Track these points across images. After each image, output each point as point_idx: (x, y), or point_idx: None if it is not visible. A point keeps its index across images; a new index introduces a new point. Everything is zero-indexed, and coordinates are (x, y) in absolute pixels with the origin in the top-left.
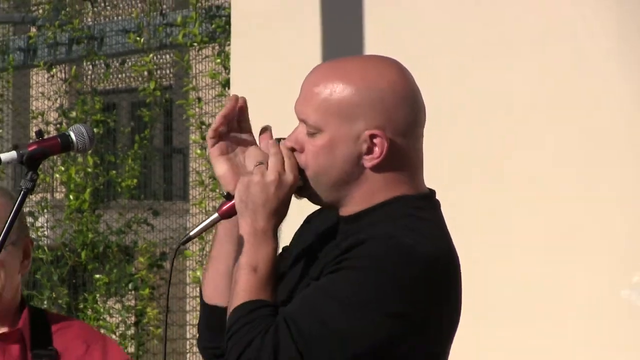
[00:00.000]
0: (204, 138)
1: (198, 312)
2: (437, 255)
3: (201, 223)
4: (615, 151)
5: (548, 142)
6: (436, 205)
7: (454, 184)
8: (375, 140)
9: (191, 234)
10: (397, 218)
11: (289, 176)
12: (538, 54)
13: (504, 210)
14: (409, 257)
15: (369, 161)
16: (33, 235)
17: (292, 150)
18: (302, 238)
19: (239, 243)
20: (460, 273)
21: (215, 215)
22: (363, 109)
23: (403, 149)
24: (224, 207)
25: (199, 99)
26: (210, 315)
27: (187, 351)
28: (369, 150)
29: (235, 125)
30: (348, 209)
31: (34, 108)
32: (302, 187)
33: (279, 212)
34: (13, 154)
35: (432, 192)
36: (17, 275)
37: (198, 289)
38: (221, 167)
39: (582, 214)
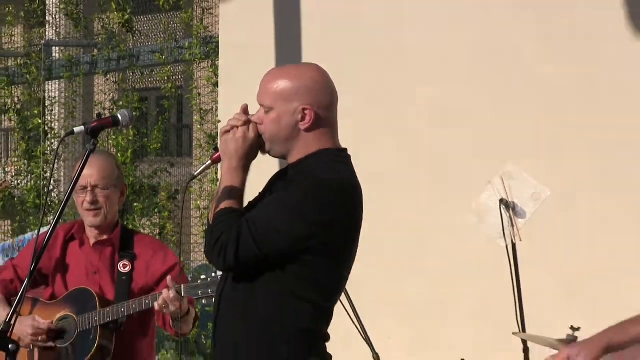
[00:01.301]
0: (202, 118)
1: (198, 226)
2: (343, 183)
3: (200, 167)
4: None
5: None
6: (348, 156)
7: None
8: (306, 112)
9: (195, 174)
10: (322, 162)
11: (251, 134)
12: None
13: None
14: (324, 183)
15: (302, 126)
16: None
17: (257, 124)
18: (270, 182)
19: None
20: (360, 199)
21: (209, 161)
22: (297, 94)
23: (324, 119)
24: (214, 156)
25: (199, 94)
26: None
27: (192, 251)
28: (302, 119)
29: None
30: (292, 158)
31: (95, 100)
32: (263, 147)
33: (247, 156)
34: (82, 128)
35: (345, 149)
36: (116, 206)
37: (199, 212)
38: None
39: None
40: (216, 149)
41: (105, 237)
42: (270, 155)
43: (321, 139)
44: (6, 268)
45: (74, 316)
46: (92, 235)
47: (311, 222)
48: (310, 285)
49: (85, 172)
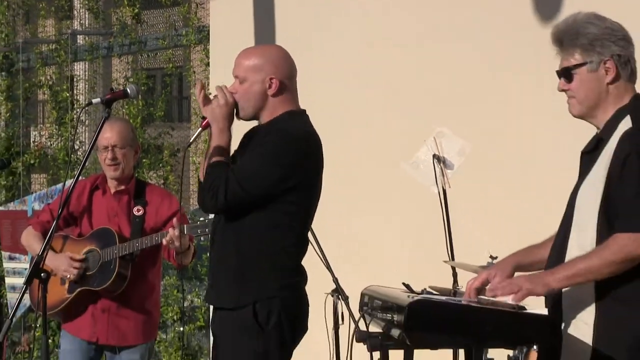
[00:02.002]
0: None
1: (195, 177)
2: (309, 135)
3: (193, 134)
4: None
5: None
6: (307, 116)
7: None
8: (272, 81)
9: (190, 140)
10: (289, 120)
11: (229, 100)
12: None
13: None
14: (290, 136)
15: (270, 92)
16: None
17: (232, 93)
18: (243, 140)
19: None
20: (321, 148)
21: (200, 128)
22: (265, 67)
23: (287, 86)
24: (203, 123)
25: (194, 72)
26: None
27: (190, 197)
28: (270, 86)
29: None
30: (263, 119)
31: (112, 78)
32: (238, 112)
33: (229, 118)
34: (98, 99)
35: (304, 110)
36: (132, 162)
37: (194, 166)
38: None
39: None
40: (204, 118)
41: (122, 187)
42: (243, 119)
43: (285, 102)
44: (44, 211)
45: (98, 250)
46: (112, 185)
47: (286, 166)
48: (293, 217)
49: (106, 134)
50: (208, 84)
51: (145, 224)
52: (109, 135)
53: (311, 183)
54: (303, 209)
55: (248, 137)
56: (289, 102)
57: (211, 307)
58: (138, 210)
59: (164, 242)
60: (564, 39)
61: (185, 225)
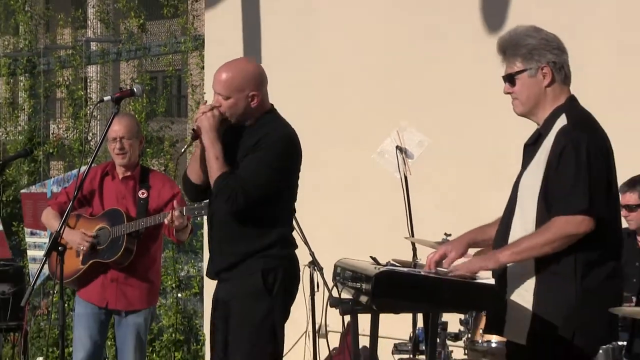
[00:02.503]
0: (193, 91)
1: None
2: (293, 138)
3: (185, 145)
4: None
5: None
6: (276, 110)
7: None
8: (254, 97)
9: (182, 150)
10: (270, 122)
11: (216, 113)
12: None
13: None
14: (284, 142)
15: (253, 105)
16: None
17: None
18: (231, 139)
19: (203, 151)
20: (300, 147)
21: (190, 139)
22: (245, 85)
23: (264, 95)
24: (194, 135)
25: (191, 74)
26: (188, 181)
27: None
28: (252, 100)
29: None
30: (249, 122)
31: (120, 79)
32: (226, 119)
33: (217, 129)
34: (109, 97)
35: (272, 104)
36: (137, 151)
37: (189, 155)
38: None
39: None
40: (194, 130)
41: (129, 173)
42: (232, 123)
43: (263, 105)
44: (61, 194)
45: (108, 227)
46: (120, 172)
47: (286, 168)
48: (288, 198)
49: (115, 127)
50: (202, 85)
51: (149, 205)
52: (117, 128)
53: (298, 170)
54: (294, 190)
55: (234, 134)
56: (265, 103)
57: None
58: (142, 193)
59: (166, 221)
60: (507, 49)
61: (184, 207)
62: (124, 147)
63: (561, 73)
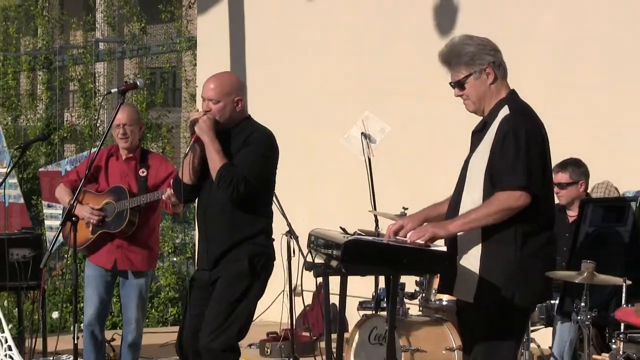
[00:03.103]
0: (187, 84)
1: (185, 148)
2: (272, 135)
3: (187, 148)
4: None
5: None
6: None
7: None
8: (239, 101)
9: (185, 152)
10: (252, 124)
11: (210, 117)
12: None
13: None
14: (269, 139)
15: (237, 109)
16: None
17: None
18: (223, 138)
19: (202, 150)
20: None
21: (192, 141)
22: (232, 91)
23: (245, 101)
24: (193, 138)
25: (185, 70)
26: (181, 183)
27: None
28: (237, 104)
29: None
30: (232, 125)
31: (125, 74)
32: (217, 123)
33: (213, 129)
34: (115, 89)
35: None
36: (138, 136)
37: (184, 140)
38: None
39: None
40: (192, 133)
41: (131, 155)
42: (220, 128)
43: (244, 110)
44: (71, 172)
45: (114, 202)
46: (123, 154)
47: (273, 159)
48: (270, 192)
49: (119, 116)
50: (195, 80)
51: (148, 182)
52: (120, 116)
53: (277, 166)
54: (274, 184)
55: (228, 135)
56: (245, 110)
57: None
58: (142, 172)
59: (164, 197)
60: (451, 60)
61: None
62: (126, 133)
63: (500, 69)
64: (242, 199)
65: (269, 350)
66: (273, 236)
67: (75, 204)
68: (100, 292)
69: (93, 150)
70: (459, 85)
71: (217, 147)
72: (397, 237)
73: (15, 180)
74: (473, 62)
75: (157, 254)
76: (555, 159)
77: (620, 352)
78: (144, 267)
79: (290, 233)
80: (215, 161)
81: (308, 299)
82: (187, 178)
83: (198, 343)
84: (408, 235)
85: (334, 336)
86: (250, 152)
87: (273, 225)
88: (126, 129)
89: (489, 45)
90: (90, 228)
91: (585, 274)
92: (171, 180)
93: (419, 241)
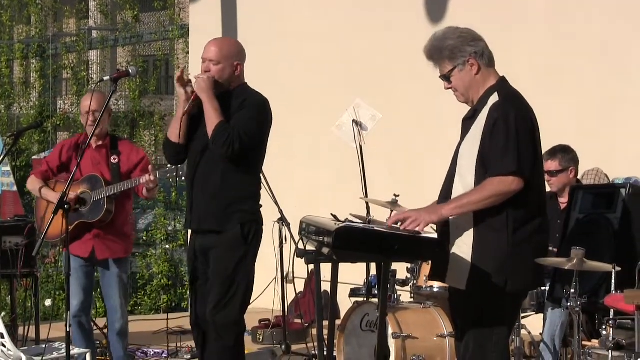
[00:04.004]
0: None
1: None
2: (267, 101)
3: (186, 105)
4: None
5: None
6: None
7: None
8: (238, 65)
9: (186, 109)
10: (249, 90)
11: (210, 76)
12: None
13: None
14: (263, 102)
15: (236, 73)
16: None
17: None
18: (220, 101)
19: (195, 108)
20: (272, 113)
21: (191, 99)
22: (233, 54)
23: (243, 68)
24: (192, 97)
25: (177, 58)
26: (167, 142)
27: None
28: (236, 68)
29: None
30: (231, 88)
31: (118, 62)
32: (217, 83)
33: (212, 89)
34: (108, 77)
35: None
36: (107, 122)
37: None
38: (180, 91)
39: None
40: (192, 92)
41: (101, 142)
42: (218, 90)
43: (241, 76)
44: (42, 163)
45: (90, 192)
46: (93, 141)
47: (267, 122)
48: (260, 159)
49: (86, 102)
50: (187, 67)
51: (121, 169)
52: (88, 103)
53: (269, 133)
54: (264, 150)
55: (227, 98)
56: (243, 77)
57: (189, 231)
58: (114, 159)
59: (143, 182)
60: (434, 55)
61: (158, 171)
62: (96, 119)
63: (484, 58)
64: (235, 157)
65: (261, 337)
66: (264, 223)
67: (67, 191)
68: (82, 282)
69: (60, 141)
70: (445, 79)
71: (215, 105)
72: (393, 225)
73: (8, 168)
74: (454, 55)
75: (133, 239)
76: (545, 145)
77: (610, 338)
78: (123, 254)
79: (282, 220)
80: (212, 119)
81: (300, 286)
82: (174, 137)
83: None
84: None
85: (325, 323)
86: (246, 114)
87: (264, 212)
88: (96, 116)
89: (469, 35)
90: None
91: (575, 261)
92: (143, 166)
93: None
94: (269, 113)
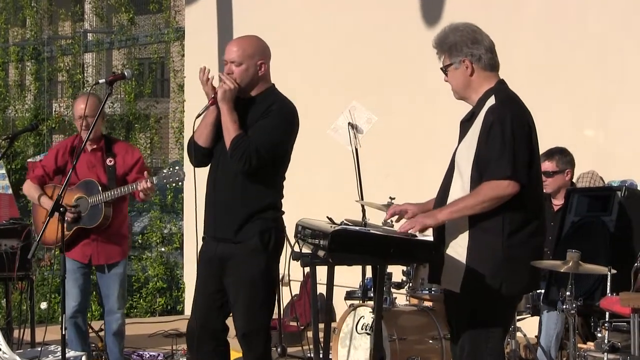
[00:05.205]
0: (175, 75)
1: (173, 138)
2: (296, 110)
3: (204, 107)
4: None
5: None
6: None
7: None
8: (262, 64)
9: (200, 112)
10: (276, 94)
11: (232, 85)
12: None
13: None
14: (291, 111)
15: (261, 72)
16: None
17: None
18: (242, 109)
19: (215, 118)
20: (299, 123)
21: (209, 105)
22: (256, 53)
23: (269, 67)
24: (210, 102)
25: (173, 61)
26: (195, 145)
27: (169, 152)
28: (260, 68)
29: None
30: (255, 92)
31: (113, 64)
32: (241, 91)
33: (232, 99)
34: (103, 80)
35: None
36: (102, 125)
37: (173, 130)
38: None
39: None
40: (214, 97)
41: (95, 145)
42: (241, 95)
43: (268, 78)
44: (38, 167)
45: (86, 197)
46: (88, 145)
47: (291, 133)
48: (284, 168)
49: (80, 106)
50: (183, 70)
51: (117, 171)
52: (82, 107)
53: (294, 143)
54: (289, 160)
55: (249, 104)
56: (269, 77)
57: (199, 237)
58: (110, 161)
59: (139, 188)
60: (438, 47)
61: (155, 177)
62: (88, 124)
63: (480, 62)
64: (253, 172)
65: None
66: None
67: (63, 195)
68: (79, 284)
69: (54, 144)
70: (444, 71)
71: (234, 117)
72: (385, 227)
73: (3, 171)
74: (452, 52)
75: (130, 240)
76: (541, 147)
77: (606, 341)
78: (120, 257)
79: None
80: (230, 131)
81: (295, 288)
82: (202, 141)
83: (210, 323)
84: (399, 225)
85: (321, 326)
86: (268, 124)
87: None
88: (89, 121)
89: (470, 37)
90: (65, 225)
91: (570, 264)
92: (139, 167)
93: (410, 232)
94: (295, 122)
